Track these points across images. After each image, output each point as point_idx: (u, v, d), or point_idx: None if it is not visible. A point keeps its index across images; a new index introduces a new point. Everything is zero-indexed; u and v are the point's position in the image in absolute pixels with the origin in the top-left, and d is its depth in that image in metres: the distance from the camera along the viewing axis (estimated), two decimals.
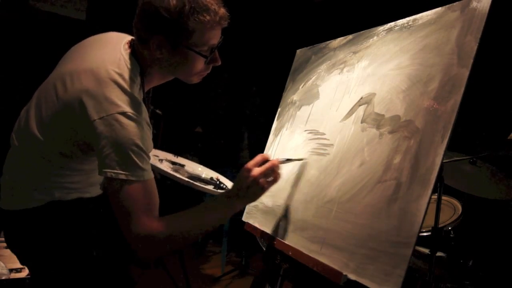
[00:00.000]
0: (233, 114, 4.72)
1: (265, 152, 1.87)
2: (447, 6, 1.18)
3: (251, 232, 1.68)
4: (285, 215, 1.48)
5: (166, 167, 1.46)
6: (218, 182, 1.48)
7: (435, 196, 1.53)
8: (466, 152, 1.82)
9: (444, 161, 1.17)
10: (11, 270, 2.20)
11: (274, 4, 3.96)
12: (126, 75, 1.04)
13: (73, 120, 1.01)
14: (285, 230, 1.44)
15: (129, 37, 1.18)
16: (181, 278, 2.70)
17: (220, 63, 1.22)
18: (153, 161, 1.50)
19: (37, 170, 1.09)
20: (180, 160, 1.60)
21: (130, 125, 0.98)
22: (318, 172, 1.40)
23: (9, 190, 1.15)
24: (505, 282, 2.26)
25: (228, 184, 1.54)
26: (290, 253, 1.35)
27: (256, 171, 1.18)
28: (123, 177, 0.98)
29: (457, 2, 1.15)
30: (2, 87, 3.31)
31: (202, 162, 4.24)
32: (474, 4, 1.09)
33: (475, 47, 1.03)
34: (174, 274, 2.71)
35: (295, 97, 1.80)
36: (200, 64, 1.16)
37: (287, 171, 1.61)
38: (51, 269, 1.14)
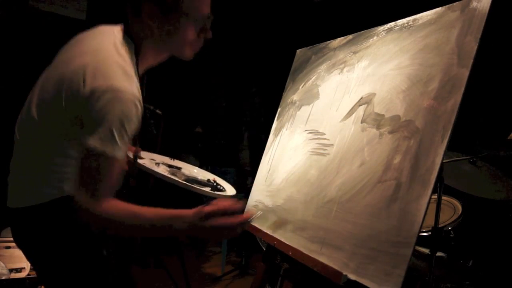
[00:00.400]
0: (233, 114, 4.72)
1: (265, 152, 1.87)
2: (447, 6, 1.18)
3: (251, 232, 1.67)
4: (285, 215, 1.48)
5: (163, 170, 1.45)
6: (215, 184, 1.48)
7: (435, 196, 1.53)
8: (466, 152, 1.82)
9: (444, 161, 1.17)
10: (11, 270, 2.20)
11: (274, 4, 3.96)
12: (122, 52, 1.08)
13: (68, 93, 1.03)
14: (285, 230, 1.44)
15: (120, 25, 1.20)
16: (181, 278, 2.70)
17: (211, 36, 1.25)
18: (150, 165, 1.50)
19: (42, 161, 1.11)
20: (177, 162, 1.60)
21: (121, 102, 1.00)
22: (318, 172, 1.40)
23: (18, 187, 1.16)
24: (505, 282, 2.26)
25: (224, 185, 1.54)
26: (290, 253, 1.35)
27: (225, 220, 1.10)
28: (99, 150, 0.99)
29: (457, 2, 1.15)
30: (2, 87, 3.31)
31: (202, 162, 4.26)
32: (474, 4, 1.09)
33: (475, 47, 1.03)
34: (174, 274, 2.71)
35: (295, 97, 1.80)
36: (191, 32, 1.18)
37: (287, 171, 1.61)
38: (60, 268, 1.15)
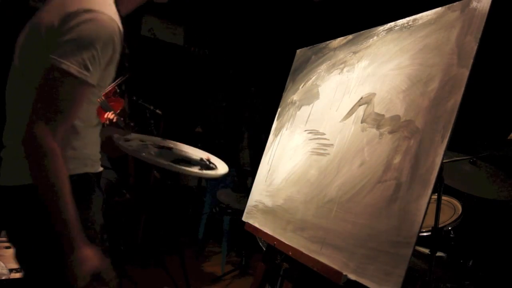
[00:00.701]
0: (233, 114, 4.72)
1: (265, 152, 1.87)
2: (447, 6, 1.18)
3: (251, 232, 1.68)
4: (285, 215, 1.48)
5: (148, 153, 1.38)
6: (207, 163, 1.42)
7: (435, 196, 1.53)
8: (466, 152, 1.82)
9: (444, 161, 1.17)
10: (11, 270, 2.20)
11: (274, 4, 3.96)
12: None
13: (48, 26, 0.97)
14: (285, 230, 1.44)
15: None
16: (181, 278, 2.70)
17: None
18: (135, 147, 1.42)
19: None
20: (168, 143, 1.54)
21: (97, 22, 0.94)
22: (318, 172, 1.40)
23: (11, 161, 1.07)
24: (505, 282, 2.26)
25: (217, 163, 1.49)
26: (290, 253, 1.35)
27: (94, 267, 1.02)
28: (65, 67, 0.91)
29: (457, 2, 1.15)
30: (2, 87, 3.31)
31: None
32: (474, 4, 1.09)
33: (475, 47, 1.03)
34: (174, 274, 2.71)
35: (295, 97, 1.80)
36: None
37: (287, 171, 1.61)
38: (47, 251, 1.03)
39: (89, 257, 1.00)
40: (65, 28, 0.93)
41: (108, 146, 1.34)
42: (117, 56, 1.03)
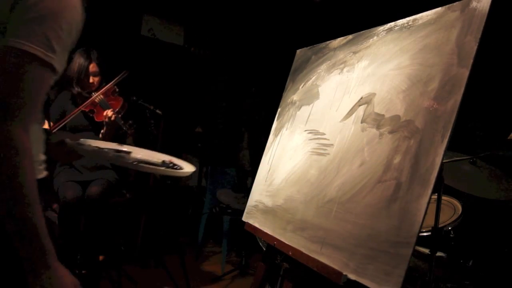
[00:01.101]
0: (233, 114, 4.72)
1: (265, 152, 1.87)
2: (447, 6, 1.18)
3: (251, 232, 1.68)
4: (285, 215, 1.48)
5: (106, 154, 1.33)
6: (171, 165, 1.37)
7: (435, 196, 1.53)
8: (466, 152, 1.82)
9: (444, 161, 1.17)
10: None
11: (274, 4, 3.96)
12: None
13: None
14: (285, 230, 1.44)
15: None
16: (181, 278, 2.70)
17: None
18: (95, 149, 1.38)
19: None
20: (126, 147, 1.50)
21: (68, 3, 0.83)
22: (318, 172, 1.40)
23: None
24: (505, 282, 2.26)
25: (182, 164, 1.43)
26: (290, 253, 1.35)
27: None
28: (27, 48, 0.77)
29: (457, 2, 1.15)
30: None
31: (202, 162, 4.26)
32: (474, 4, 1.09)
33: (475, 47, 1.03)
34: (174, 274, 2.71)
35: (295, 97, 1.80)
36: None
37: (287, 171, 1.61)
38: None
39: (66, 278, 0.83)
40: (25, 5, 0.79)
41: (59, 152, 1.22)
42: (76, 37, 0.90)
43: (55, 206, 2.52)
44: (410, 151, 1.09)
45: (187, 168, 1.37)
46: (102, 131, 2.33)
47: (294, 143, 1.64)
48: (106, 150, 1.35)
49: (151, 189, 3.11)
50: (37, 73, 0.80)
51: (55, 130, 2.22)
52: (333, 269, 1.15)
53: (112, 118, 2.27)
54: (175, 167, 1.33)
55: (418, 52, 1.21)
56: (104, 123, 2.30)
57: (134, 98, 2.73)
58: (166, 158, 1.41)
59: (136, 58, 2.51)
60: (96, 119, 2.38)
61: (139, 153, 1.42)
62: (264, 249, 1.76)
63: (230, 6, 4.14)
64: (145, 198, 3.11)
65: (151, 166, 1.27)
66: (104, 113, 2.30)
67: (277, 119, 1.89)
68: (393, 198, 1.08)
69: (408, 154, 1.09)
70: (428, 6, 1.24)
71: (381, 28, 1.43)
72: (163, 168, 1.30)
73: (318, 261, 1.21)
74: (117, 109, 2.39)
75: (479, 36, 1.04)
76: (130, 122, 2.33)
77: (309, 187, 1.41)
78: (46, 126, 2.22)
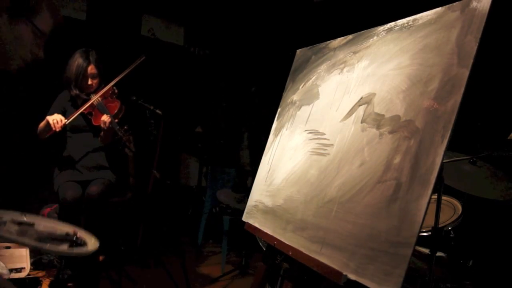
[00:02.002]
0: (233, 114, 4.72)
1: (265, 152, 1.87)
2: (447, 6, 1.18)
3: (251, 232, 1.67)
4: (285, 215, 1.48)
5: (7, 231, 1.29)
6: (75, 238, 1.33)
7: (435, 196, 1.53)
8: (466, 152, 1.82)
9: (444, 161, 1.17)
10: (11, 270, 2.20)
11: (274, 4, 3.96)
12: None
13: None
14: (285, 230, 1.44)
15: None
16: (181, 278, 2.70)
17: None
18: None
19: None
20: (29, 218, 1.45)
21: None
22: (318, 172, 1.40)
23: None
24: (505, 282, 2.26)
25: (86, 237, 1.40)
26: (290, 253, 1.35)
27: None
28: None
29: (457, 2, 1.15)
30: (2, 87, 3.31)
31: (202, 162, 4.26)
32: (474, 4, 1.09)
33: (475, 47, 1.03)
34: (174, 274, 2.71)
35: (295, 97, 1.80)
36: None
37: (287, 171, 1.61)
38: None
39: None
40: None
41: None
42: None
43: (55, 206, 2.52)
44: (410, 151, 1.09)
45: (90, 245, 1.31)
46: (100, 134, 2.34)
47: (294, 143, 1.64)
48: (8, 224, 1.28)
49: (151, 189, 3.11)
50: None
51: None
52: (333, 269, 1.15)
53: (107, 125, 2.28)
54: (79, 241, 1.28)
55: (418, 52, 1.21)
56: (101, 128, 2.31)
57: (134, 98, 2.73)
58: (70, 228, 1.35)
59: (136, 58, 2.51)
60: (93, 123, 2.38)
61: (41, 224, 1.34)
62: (264, 249, 1.76)
63: (230, 6, 4.14)
64: (145, 199, 3.11)
65: (57, 249, 1.21)
66: (101, 118, 2.30)
67: (277, 119, 1.89)
68: (393, 198, 1.08)
69: (408, 154, 1.09)
70: (428, 6, 1.24)
71: (381, 28, 1.43)
72: (67, 248, 1.24)
73: (318, 261, 1.21)
74: (114, 113, 2.39)
75: (479, 36, 1.04)
76: (126, 127, 2.33)
77: (309, 187, 1.41)
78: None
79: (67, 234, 1.33)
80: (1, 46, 0.92)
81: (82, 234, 1.38)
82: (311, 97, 1.66)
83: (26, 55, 1.01)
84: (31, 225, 1.34)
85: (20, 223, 1.33)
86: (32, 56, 1.01)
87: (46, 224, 1.41)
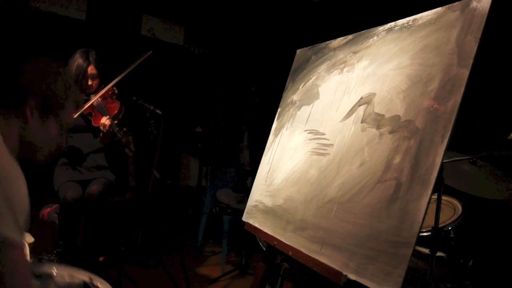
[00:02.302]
0: (233, 114, 4.72)
1: (265, 152, 1.87)
2: (447, 6, 1.18)
3: (251, 232, 1.68)
4: (285, 215, 1.48)
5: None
6: (92, 286, 1.36)
7: (435, 196, 1.53)
8: (466, 152, 1.82)
9: (444, 161, 1.17)
10: None
11: (274, 4, 3.96)
12: None
13: None
14: (285, 230, 1.44)
15: None
16: (181, 278, 2.70)
17: None
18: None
19: None
20: (47, 268, 1.45)
21: None
22: (318, 172, 1.40)
23: None
24: (505, 282, 2.26)
25: (102, 285, 1.41)
26: (290, 253, 1.35)
27: None
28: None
29: (457, 2, 1.15)
30: (2, 88, 3.31)
31: (202, 162, 4.26)
32: (474, 4, 1.09)
33: (475, 47, 1.03)
34: (174, 274, 2.71)
35: (295, 97, 1.80)
36: None
37: (287, 171, 1.61)
38: None
39: None
40: None
41: None
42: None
43: (55, 206, 2.52)
44: (410, 151, 1.09)
45: None
46: (100, 134, 2.35)
47: (294, 143, 1.64)
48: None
49: (151, 189, 3.11)
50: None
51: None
52: (333, 269, 1.15)
53: (107, 127, 2.28)
54: None
55: (418, 52, 1.21)
56: (101, 129, 2.32)
57: (134, 98, 2.73)
58: (86, 277, 1.35)
59: (136, 58, 2.51)
60: (93, 124, 2.38)
61: (59, 273, 1.34)
62: (264, 249, 1.76)
63: (230, 6, 4.14)
64: (145, 199, 3.11)
65: None
66: (101, 121, 2.31)
67: (277, 119, 1.89)
68: (393, 198, 1.08)
69: (408, 154, 1.09)
70: (428, 6, 1.24)
71: (381, 28, 1.43)
72: None
73: (318, 261, 1.21)
74: (114, 114, 2.39)
75: (479, 36, 1.04)
76: (125, 129, 2.33)
77: (309, 187, 1.41)
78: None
79: (85, 284, 1.34)
80: (32, 141, 0.98)
81: (97, 280, 1.39)
82: (311, 97, 1.66)
83: (52, 146, 1.07)
84: (50, 277, 1.35)
85: (39, 276, 1.33)
86: (56, 146, 1.07)
87: (64, 274, 1.42)
